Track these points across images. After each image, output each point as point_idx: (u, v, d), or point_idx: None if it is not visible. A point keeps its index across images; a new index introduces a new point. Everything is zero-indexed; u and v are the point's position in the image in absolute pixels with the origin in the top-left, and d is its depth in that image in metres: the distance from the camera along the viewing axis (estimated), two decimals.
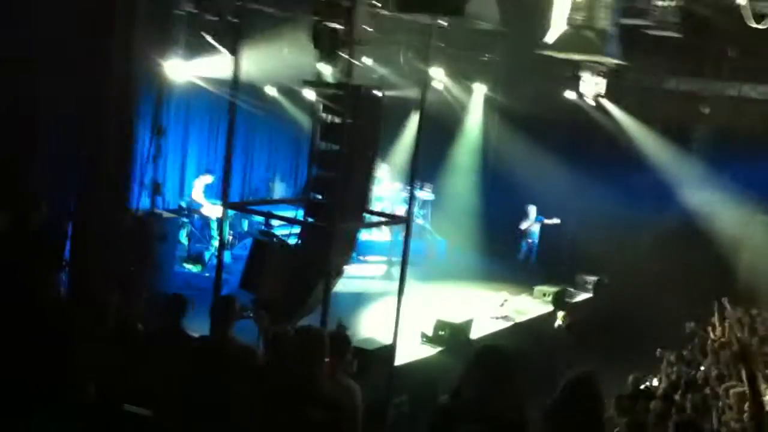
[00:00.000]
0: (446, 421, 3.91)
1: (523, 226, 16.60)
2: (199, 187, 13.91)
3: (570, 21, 10.79)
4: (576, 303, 14.73)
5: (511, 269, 15.61)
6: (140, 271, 9.21)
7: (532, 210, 16.60)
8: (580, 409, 3.77)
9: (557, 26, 10.92)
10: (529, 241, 16.69)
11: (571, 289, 14.96)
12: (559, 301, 13.95)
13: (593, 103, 16.22)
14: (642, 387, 8.91)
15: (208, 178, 14.00)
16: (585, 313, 14.49)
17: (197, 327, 6.02)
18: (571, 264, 15.62)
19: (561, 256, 15.69)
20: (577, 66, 15.64)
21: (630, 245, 16.61)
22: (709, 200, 15.88)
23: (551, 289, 14.17)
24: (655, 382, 9.09)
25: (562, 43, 11.13)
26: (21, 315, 4.94)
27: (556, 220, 16.49)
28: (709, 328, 10.10)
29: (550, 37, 11.08)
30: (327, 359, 4.85)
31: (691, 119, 16.46)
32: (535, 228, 16.63)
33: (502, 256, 16.25)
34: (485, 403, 4.05)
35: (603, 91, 15.73)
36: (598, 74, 15.55)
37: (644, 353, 10.44)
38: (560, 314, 12.62)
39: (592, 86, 15.62)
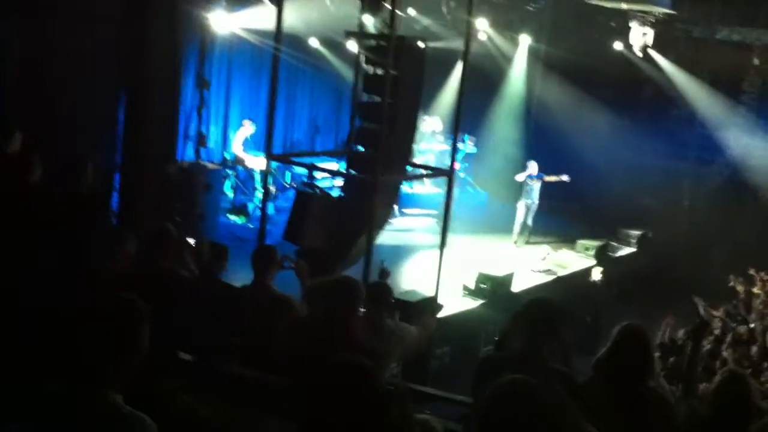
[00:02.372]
0: (492, 370, 3.95)
1: (519, 178, 14.70)
2: (239, 140, 13.98)
3: None
4: (619, 257, 14.62)
5: (553, 223, 15.48)
6: (185, 222, 9.34)
7: (531, 166, 14.63)
8: (629, 358, 3.82)
9: None
10: (527, 201, 14.49)
11: (614, 243, 14.84)
12: (601, 255, 13.86)
13: (641, 54, 15.94)
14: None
15: (248, 129, 14.04)
16: (628, 267, 14.41)
17: (240, 277, 6.11)
18: (614, 217, 15.43)
19: (604, 210, 15.50)
20: (626, 16, 15.35)
21: (676, 198, 16.42)
22: (757, 152, 15.58)
23: (593, 243, 14.08)
24: None
25: None
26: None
27: (563, 178, 14.57)
28: (758, 284, 10.00)
29: None
30: (363, 309, 4.91)
31: (741, 70, 16.09)
32: (534, 185, 14.50)
33: (544, 209, 16.09)
34: (532, 354, 4.09)
35: (651, 41, 15.44)
36: (647, 24, 15.25)
37: (688, 308, 10.35)
38: (597, 269, 12.56)
39: (640, 36, 15.33)
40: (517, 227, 14.45)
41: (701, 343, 6.86)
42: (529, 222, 14.53)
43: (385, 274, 7.08)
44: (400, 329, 5.49)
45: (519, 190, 14.49)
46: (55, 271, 4.95)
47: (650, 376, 4.03)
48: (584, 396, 3.86)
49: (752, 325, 8.96)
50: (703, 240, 14.75)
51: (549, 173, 14.53)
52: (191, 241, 7.27)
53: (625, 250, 14.98)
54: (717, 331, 9.12)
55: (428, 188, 15.86)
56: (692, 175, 16.74)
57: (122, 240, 5.38)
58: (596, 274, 12.36)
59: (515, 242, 14.41)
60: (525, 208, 14.40)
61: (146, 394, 2.95)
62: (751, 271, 10.54)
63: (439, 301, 9.37)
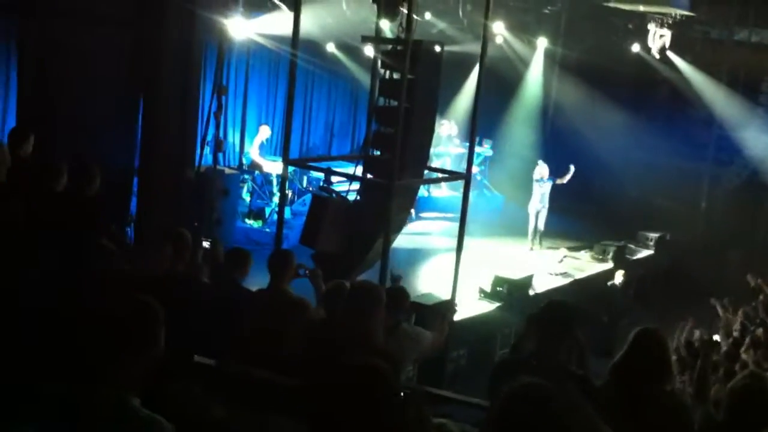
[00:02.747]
0: (507, 373, 3.96)
1: (537, 175, 14.11)
2: (256, 144, 14.06)
3: None
4: (637, 259, 14.56)
5: (571, 225, 15.43)
6: (203, 226, 9.42)
7: (541, 166, 14.14)
8: (646, 362, 3.82)
9: None
10: (537, 205, 14.00)
11: (632, 246, 14.76)
12: (619, 258, 13.80)
13: (658, 56, 15.90)
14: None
15: (264, 133, 14.12)
16: (646, 270, 14.35)
17: (257, 281, 6.15)
18: (631, 219, 15.36)
19: (621, 211, 15.45)
20: (643, 17, 15.31)
21: (693, 200, 16.34)
22: None
23: (611, 246, 14.02)
24: (716, 337, 8.98)
25: None
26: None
27: (570, 171, 13.96)
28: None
29: None
30: (382, 315, 4.93)
31: (760, 71, 16.01)
32: (545, 189, 13.97)
33: (560, 211, 16.03)
34: (547, 356, 4.09)
35: (668, 43, 15.39)
36: (665, 26, 15.21)
37: (706, 310, 10.31)
38: (618, 273, 12.50)
39: (657, 38, 15.30)
40: (530, 233, 14.24)
41: (711, 356, 6.83)
42: (541, 227, 14.21)
43: (397, 279, 7.10)
44: (416, 333, 5.51)
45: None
46: (68, 273, 5.00)
47: (667, 380, 4.02)
48: (601, 399, 3.86)
49: None
50: (721, 242, 14.68)
51: (560, 175, 14.13)
52: (206, 244, 7.34)
53: (643, 253, 14.90)
54: (736, 333, 9.06)
55: (444, 191, 15.89)
56: (710, 177, 16.67)
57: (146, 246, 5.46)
58: (618, 277, 12.30)
59: (531, 248, 14.20)
60: (535, 212, 14.10)
61: (162, 396, 2.97)
62: None
63: (456, 304, 9.38)
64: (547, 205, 14.11)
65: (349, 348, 4.22)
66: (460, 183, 10.35)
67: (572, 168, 13.96)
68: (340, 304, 4.71)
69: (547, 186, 14.00)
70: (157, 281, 5.20)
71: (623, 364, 3.91)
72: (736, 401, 3.80)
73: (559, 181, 14.07)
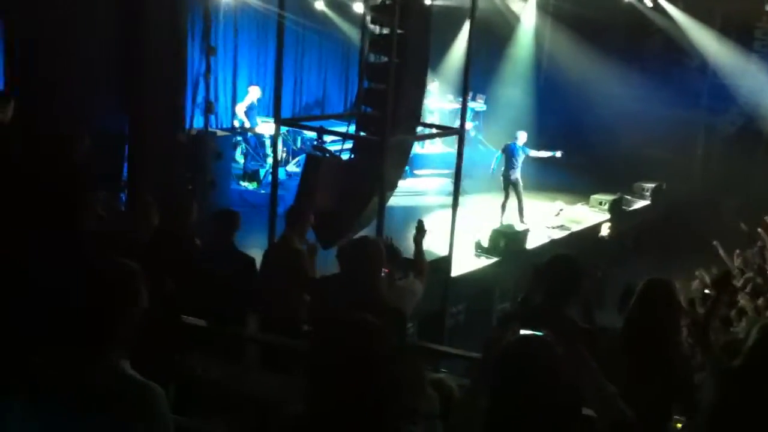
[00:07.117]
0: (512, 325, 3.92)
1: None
2: (244, 106, 13.92)
3: None
4: (633, 210, 14.56)
5: (567, 178, 15.36)
6: (196, 189, 9.37)
7: (521, 136, 12.60)
8: (657, 313, 3.77)
9: None
10: (512, 177, 12.33)
11: (628, 197, 14.74)
12: (615, 209, 13.79)
13: (650, 4, 15.75)
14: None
15: (254, 94, 13.94)
16: (642, 220, 14.36)
17: (253, 242, 6.14)
18: (627, 170, 15.31)
19: (617, 162, 15.39)
20: None
21: (689, 149, 16.30)
22: None
23: (608, 197, 13.99)
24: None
25: None
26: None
27: (550, 154, 12.78)
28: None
29: None
30: (383, 268, 4.92)
31: (753, 16, 15.85)
32: (518, 159, 12.41)
33: (555, 164, 15.86)
34: (556, 310, 4.04)
35: None
36: None
37: (703, 258, 10.31)
38: (606, 225, 12.44)
39: None
40: (503, 207, 12.44)
41: (723, 295, 6.80)
42: (522, 204, 12.55)
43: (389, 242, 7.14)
44: (410, 284, 5.52)
45: (530, 146, 12.73)
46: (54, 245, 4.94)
47: (677, 332, 3.97)
48: (609, 353, 3.82)
49: None
50: (717, 190, 14.67)
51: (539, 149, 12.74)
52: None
53: (640, 203, 14.89)
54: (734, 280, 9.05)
55: (439, 148, 15.78)
56: (705, 125, 16.61)
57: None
58: (605, 230, 12.29)
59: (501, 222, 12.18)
60: (511, 187, 12.38)
61: (153, 360, 2.95)
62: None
63: (453, 260, 9.39)
64: (519, 177, 12.49)
65: (354, 304, 4.20)
66: (455, 139, 10.29)
67: (558, 154, 12.76)
68: (345, 263, 4.69)
69: (522, 157, 12.48)
70: (148, 244, 5.17)
71: (635, 317, 3.84)
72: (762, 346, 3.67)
73: (533, 154, 12.65)
